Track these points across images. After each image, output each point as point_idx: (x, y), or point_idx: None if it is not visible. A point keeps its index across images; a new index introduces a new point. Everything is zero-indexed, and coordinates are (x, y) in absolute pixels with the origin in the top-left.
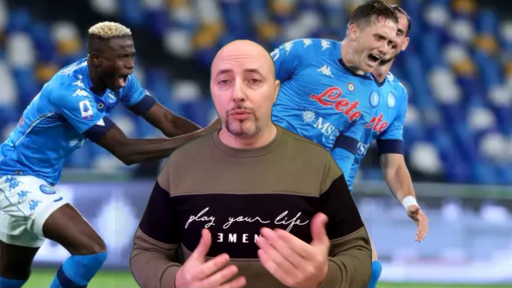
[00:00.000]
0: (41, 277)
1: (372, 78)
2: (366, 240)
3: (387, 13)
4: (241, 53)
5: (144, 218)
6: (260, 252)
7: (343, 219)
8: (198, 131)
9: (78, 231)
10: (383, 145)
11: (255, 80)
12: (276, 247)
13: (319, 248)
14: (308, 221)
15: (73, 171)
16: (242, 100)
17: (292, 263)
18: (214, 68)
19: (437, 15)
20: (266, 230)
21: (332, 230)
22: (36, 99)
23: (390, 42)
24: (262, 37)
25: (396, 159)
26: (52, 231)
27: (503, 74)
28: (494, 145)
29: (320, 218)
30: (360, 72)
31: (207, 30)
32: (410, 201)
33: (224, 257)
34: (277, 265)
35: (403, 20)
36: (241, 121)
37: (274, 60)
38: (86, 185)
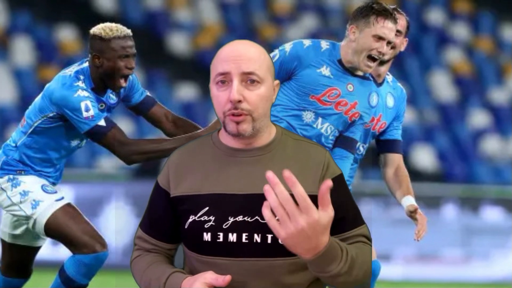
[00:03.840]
0: (43, 276)
1: (371, 78)
2: (368, 237)
3: (386, 14)
4: (239, 55)
5: (144, 218)
6: (264, 203)
7: (343, 217)
8: (199, 131)
9: (79, 230)
10: (382, 145)
11: (252, 81)
12: (276, 190)
13: (321, 213)
14: None
15: (75, 171)
16: (239, 101)
17: (287, 212)
18: (213, 69)
19: (435, 16)
20: (271, 174)
21: (333, 227)
22: (37, 99)
23: (389, 43)
24: (262, 38)
25: (395, 159)
26: (53, 230)
27: (501, 74)
28: (492, 145)
29: (327, 183)
30: (359, 73)
31: (208, 31)
32: (409, 201)
33: (227, 279)
34: (272, 211)
35: (402, 21)
36: (237, 122)
37: (273, 60)
38: (87, 184)
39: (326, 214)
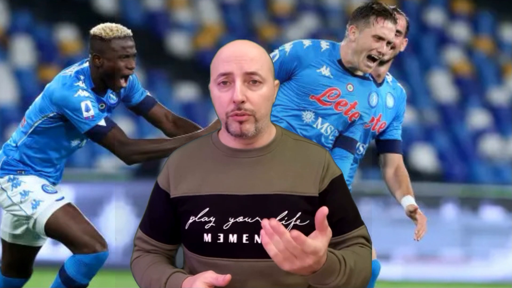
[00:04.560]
0: (43, 276)
1: (371, 78)
2: (367, 239)
3: (386, 14)
4: (241, 55)
5: (144, 219)
6: (262, 232)
7: (343, 218)
8: (199, 131)
9: (79, 230)
10: (382, 145)
11: (255, 82)
12: (283, 239)
13: (321, 240)
14: (308, 221)
15: (75, 170)
16: (242, 102)
17: (293, 254)
18: (214, 69)
19: (435, 16)
20: (274, 223)
21: (333, 228)
22: (38, 99)
23: (389, 43)
24: (262, 38)
25: (395, 159)
26: (54, 230)
27: (501, 74)
28: (492, 145)
29: (323, 211)
30: (359, 73)
31: (208, 31)
32: (409, 201)
33: (227, 278)
34: (278, 251)
35: (402, 21)
36: (240, 122)
37: (273, 61)
38: (88, 184)
39: (325, 238)
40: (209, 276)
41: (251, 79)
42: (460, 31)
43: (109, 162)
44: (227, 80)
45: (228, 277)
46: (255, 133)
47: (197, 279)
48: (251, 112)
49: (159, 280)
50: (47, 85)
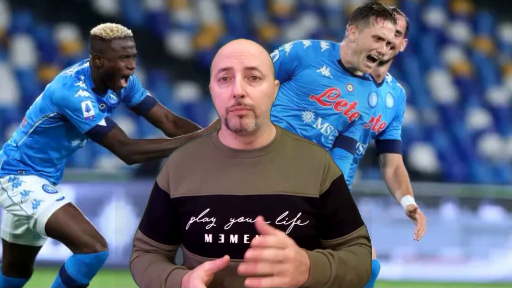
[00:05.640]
0: (44, 275)
1: (371, 78)
2: (367, 238)
3: (386, 14)
4: (241, 51)
5: (143, 219)
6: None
7: (343, 218)
8: (199, 131)
9: (80, 230)
10: (381, 145)
11: (255, 78)
12: (258, 269)
13: (280, 238)
14: (308, 221)
15: (75, 170)
16: (242, 96)
17: (274, 271)
18: (214, 66)
19: (435, 17)
20: (242, 267)
21: (333, 229)
22: (38, 99)
23: (388, 43)
24: (262, 38)
25: (394, 159)
26: (54, 230)
27: (500, 74)
28: (491, 145)
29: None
30: (359, 73)
31: (208, 31)
32: (408, 201)
33: (225, 259)
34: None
35: (402, 22)
36: (240, 117)
37: (273, 61)
38: (88, 184)
39: (282, 236)
40: (207, 265)
41: (251, 74)
42: (460, 31)
43: (109, 162)
44: (227, 75)
45: (226, 257)
46: (255, 129)
47: (195, 271)
48: (250, 107)
49: (159, 277)
50: (48, 85)
